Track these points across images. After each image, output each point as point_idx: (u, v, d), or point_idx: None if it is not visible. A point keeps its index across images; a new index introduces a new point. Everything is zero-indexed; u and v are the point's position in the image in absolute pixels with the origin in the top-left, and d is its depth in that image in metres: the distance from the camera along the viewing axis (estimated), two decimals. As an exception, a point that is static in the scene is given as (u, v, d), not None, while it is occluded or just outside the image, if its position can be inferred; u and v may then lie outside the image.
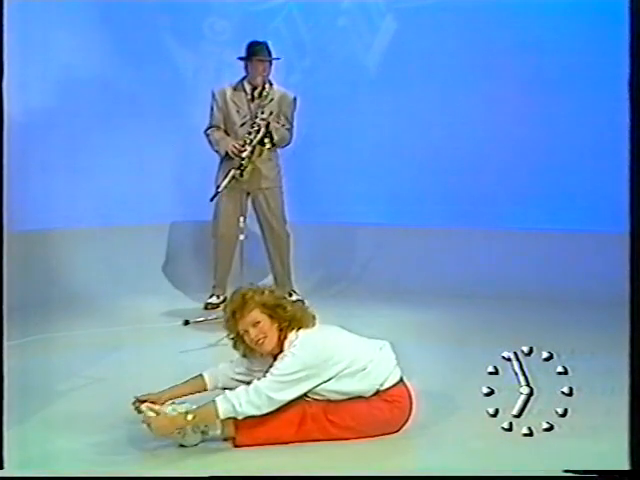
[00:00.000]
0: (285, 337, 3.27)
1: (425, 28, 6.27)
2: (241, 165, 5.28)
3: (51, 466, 3.06)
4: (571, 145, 6.12)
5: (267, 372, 3.20)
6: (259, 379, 3.18)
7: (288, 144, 5.54)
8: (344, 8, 6.45)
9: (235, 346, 3.38)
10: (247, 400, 3.12)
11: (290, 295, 5.68)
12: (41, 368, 4.24)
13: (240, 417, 3.14)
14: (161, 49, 6.31)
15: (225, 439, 3.23)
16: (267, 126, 5.28)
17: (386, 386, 3.31)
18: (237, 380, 3.37)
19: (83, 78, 6.04)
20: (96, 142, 6.10)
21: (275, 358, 3.26)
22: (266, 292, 3.31)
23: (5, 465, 2.83)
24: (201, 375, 3.45)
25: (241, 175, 5.29)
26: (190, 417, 3.12)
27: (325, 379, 3.22)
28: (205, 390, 3.41)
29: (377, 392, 3.30)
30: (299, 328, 3.28)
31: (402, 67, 6.34)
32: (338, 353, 3.24)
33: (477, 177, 6.27)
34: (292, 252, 5.77)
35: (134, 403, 3.33)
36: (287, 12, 6.46)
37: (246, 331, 3.27)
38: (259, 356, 3.35)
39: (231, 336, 3.36)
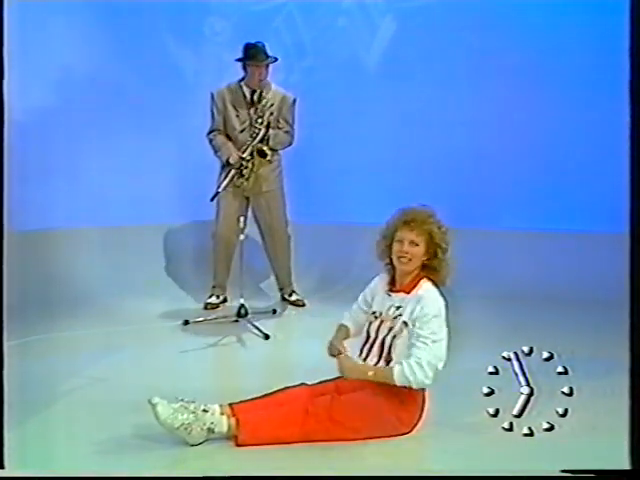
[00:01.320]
0: (419, 281, 3.35)
1: (425, 28, 6.27)
2: (241, 165, 5.28)
3: (51, 466, 3.07)
4: (571, 145, 6.12)
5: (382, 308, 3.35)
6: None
7: (289, 146, 5.54)
8: (344, 8, 6.44)
9: (380, 249, 3.44)
10: (423, 374, 3.21)
11: (290, 295, 5.70)
12: (41, 368, 4.24)
13: (412, 383, 3.23)
14: (161, 49, 6.30)
15: (229, 437, 3.23)
16: (267, 128, 5.25)
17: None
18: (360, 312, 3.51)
19: (83, 78, 6.03)
20: (96, 142, 6.09)
21: (392, 286, 3.38)
22: (443, 229, 3.38)
23: (5, 465, 2.83)
24: (345, 326, 3.57)
25: (241, 176, 5.29)
26: (371, 373, 3.27)
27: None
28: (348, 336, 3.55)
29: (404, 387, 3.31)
30: (430, 279, 3.35)
31: (402, 67, 6.33)
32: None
33: (477, 177, 6.26)
34: (292, 252, 5.77)
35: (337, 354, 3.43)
36: (287, 12, 6.45)
37: (401, 241, 3.34)
38: (380, 283, 3.45)
39: (386, 238, 3.42)
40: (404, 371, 3.22)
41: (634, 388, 2.76)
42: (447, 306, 3.34)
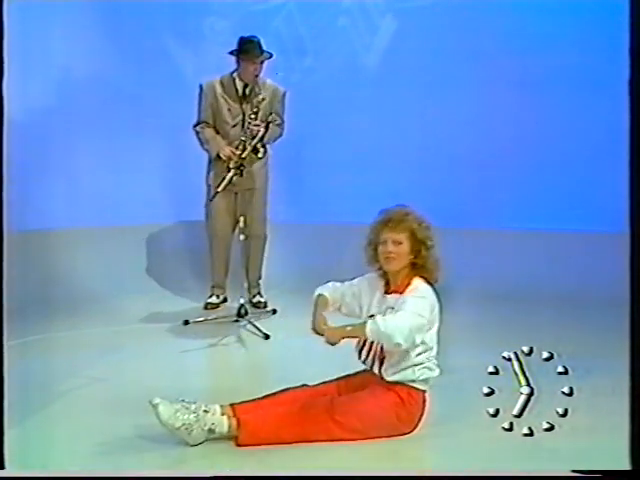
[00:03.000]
0: (410, 280, 3.33)
1: (425, 28, 6.27)
2: (241, 165, 5.25)
3: (51, 466, 3.07)
4: (571, 145, 6.11)
5: (380, 309, 3.32)
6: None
7: (279, 137, 5.49)
8: (344, 8, 6.45)
9: (368, 254, 3.45)
10: (394, 325, 3.13)
11: (254, 297, 5.61)
12: (41, 368, 4.24)
13: (382, 336, 3.14)
14: (161, 49, 6.30)
15: (230, 438, 3.23)
16: (265, 129, 5.23)
17: (416, 385, 3.32)
18: (345, 302, 3.47)
19: (83, 78, 6.04)
20: (96, 142, 6.09)
21: (387, 288, 3.36)
22: (424, 225, 3.38)
23: (5, 465, 2.83)
24: (322, 295, 3.49)
25: (241, 175, 5.27)
26: (349, 328, 3.21)
27: (420, 341, 3.25)
28: (327, 306, 3.46)
29: (404, 384, 3.30)
30: (423, 277, 3.33)
31: (402, 67, 6.33)
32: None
33: (477, 177, 6.26)
34: (292, 252, 5.77)
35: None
36: (287, 12, 6.46)
37: (385, 242, 3.34)
38: (374, 285, 3.42)
39: (371, 243, 3.43)
40: (377, 322, 3.16)
41: (634, 388, 2.76)
42: (441, 309, 3.33)
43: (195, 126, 5.42)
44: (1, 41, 2.83)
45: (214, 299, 5.59)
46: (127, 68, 6.17)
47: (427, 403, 3.38)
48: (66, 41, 5.96)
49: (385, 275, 3.42)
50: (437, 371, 3.37)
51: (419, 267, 3.35)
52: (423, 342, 3.26)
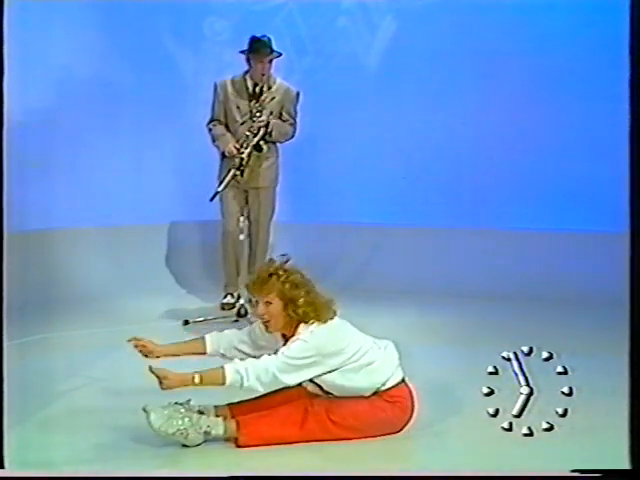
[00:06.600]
0: (297, 325, 3.27)
1: (425, 28, 6.26)
2: (241, 165, 5.26)
3: (51, 466, 3.07)
4: (571, 145, 6.12)
5: (276, 352, 3.20)
6: (268, 354, 3.20)
7: (291, 138, 5.52)
8: (344, 8, 6.44)
9: (252, 309, 3.38)
10: (256, 376, 3.13)
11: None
12: (41, 368, 4.24)
13: (243, 390, 3.15)
14: (161, 49, 6.30)
15: (227, 439, 3.23)
16: (266, 127, 5.25)
17: (388, 386, 3.31)
18: (240, 350, 3.39)
19: (83, 78, 6.03)
20: (96, 142, 6.09)
21: (285, 338, 3.28)
22: (288, 283, 3.27)
23: (5, 465, 2.83)
24: (203, 337, 3.47)
25: (241, 175, 5.28)
26: (197, 379, 3.14)
27: (331, 368, 3.23)
28: (204, 353, 3.43)
29: (377, 392, 3.30)
30: (312, 321, 3.27)
31: (402, 67, 6.33)
32: (346, 344, 3.27)
33: (477, 177, 6.27)
34: (292, 253, 5.75)
35: (133, 342, 3.37)
36: (287, 12, 6.45)
37: (257, 302, 3.30)
38: (268, 332, 3.34)
39: (252, 299, 3.38)
40: (236, 366, 3.14)
41: (634, 388, 2.76)
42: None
43: (208, 124, 5.49)
44: (1, 41, 2.83)
45: (229, 299, 5.55)
46: (127, 68, 6.17)
47: (426, 403, 3.39)
48: (66, 41, 5.96)
49: None
50: (392, 359, 3.33)
51: (300, 319, 3.28)
52: (342, 364, 3.24)
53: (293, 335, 3.27)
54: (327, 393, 3.31)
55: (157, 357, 3.36)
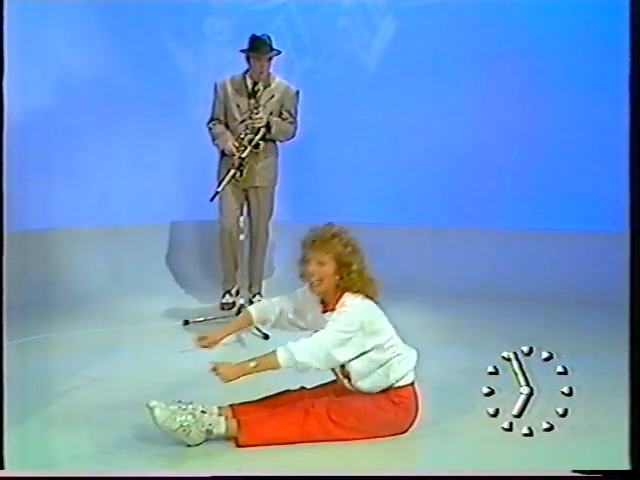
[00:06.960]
0: (341, 295, 3.28)
1: (425, 28, 6.27)
2: (240, 165, 5.26)
3: (51, 466, 3.07)
4: (571, 145, 6.12)
5: (322, 325, 3.22)
6: (312, 330, 3.26)
7: (292, 137, 5.52)
8: (344, 8, 6.45)
9: (299, 270, 3.38)
10: (309, 351, 3.14)
11: (254, 296, 5.54)
12: (41, 368, 4.24)
13: (299, 368, 3.15)
14: (161, 49, 6.30)
15: (228, 438, 3.23)
16: (266, 126, 5.26)
17: (399, 384, 3.31)
18: (286, 318, 3.44)
19: (83, 78, 6.04)
20: (96, 142, 6.09)
21: (324, 306, 3.31)
22: (350, 248, 3.31)
23: (5, 465, 2.83)
24: (247, 310, 3.55)
25: (241, 175, 5.28)
26: (253, 364, 3.17)
27: (370, 347, 3.24)
28: (251, 324, 3.54)
29: (388, 388, 3.30)
30: (357, 292, 3.28)
31: (402, 67, 6.34)
32: (383, 326, 3.31)
33: (477, 177, 6.27)
34: (292, 253, 5.75)
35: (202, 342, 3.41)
36: (287, 12, 6.46)
37: (309, 261, 3.30)
38: (310, 298, 3.37)
39: (301, 260, 3.37)
40: (287, 345, 3.16)
41: (634, 388, 2.76)
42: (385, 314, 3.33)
43: (208, 123, 5.48)
44: (1, 41, 2.83)
45: (228, 298, 5.54)
46: (127, 68, 6.17)
47: (426, 403, 3.38)
48: (66, 41, 5.96)
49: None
50: (412, 359, 3.35)
51: (347, 287, 3.29)
52: (375, 347, 3.26)
53: (334, 304, 3.28)
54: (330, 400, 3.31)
55: (219, 340, 3.41)
